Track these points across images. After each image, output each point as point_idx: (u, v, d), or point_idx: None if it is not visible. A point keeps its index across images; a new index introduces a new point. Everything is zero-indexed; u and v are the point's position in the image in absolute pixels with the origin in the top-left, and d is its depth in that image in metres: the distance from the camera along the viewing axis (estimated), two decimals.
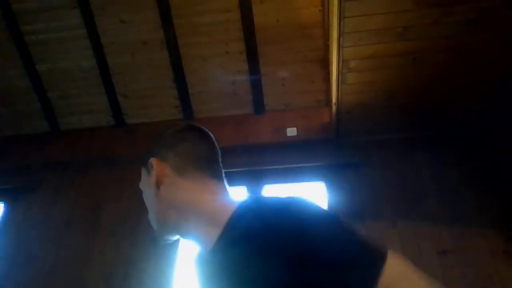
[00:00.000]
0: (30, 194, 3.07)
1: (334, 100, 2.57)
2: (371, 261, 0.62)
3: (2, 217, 3.04)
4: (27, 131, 3.44)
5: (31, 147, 3.36)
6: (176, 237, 0.87)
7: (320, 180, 2.78)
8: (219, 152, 0.92)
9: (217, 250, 0.70)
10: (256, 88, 3.08)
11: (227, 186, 0.86)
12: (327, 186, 2.72)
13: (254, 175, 2.82)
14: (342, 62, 2.31)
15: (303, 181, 2.83)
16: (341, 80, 2.42)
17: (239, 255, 0.66)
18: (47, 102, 3.31)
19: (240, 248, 0.66)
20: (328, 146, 2.87)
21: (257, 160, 2.88)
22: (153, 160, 0.87)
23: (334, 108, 2.63)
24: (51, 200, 3.03)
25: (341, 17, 2.05)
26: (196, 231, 0.78)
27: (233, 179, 2.84)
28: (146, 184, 0.90)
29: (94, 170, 3.11)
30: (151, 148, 0.91)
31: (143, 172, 0.92)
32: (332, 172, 2.75)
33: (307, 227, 0.64)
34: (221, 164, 0.90)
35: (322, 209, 0.70)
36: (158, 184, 0.85)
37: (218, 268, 0.69)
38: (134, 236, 2.73)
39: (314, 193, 2.79)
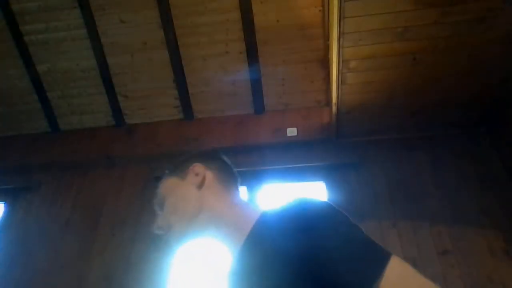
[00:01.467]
0: (30, 194, 3.07)
1: (334, 100, 2.57)
2: (375, 258, 0.65)
3: (2, 217, 3.04)
4: (27, 131, 3.45)
5: (31, 147, 3.36)
6: (189, 241, 0.93)
7: (320, 180, 2.78)
8: None
9: (243, 250, 0.81)
10: (256, 88, 3.08)
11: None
12: (327, 186, 2.72)
13: (254, 175, 2.82)
14: (342, 62, 2.31)
15: (303, 181, 2.83)
16: (341, 80, 2.42)
17: (259, 254, 0.76)
18: (47, 102, 3.31)
19: (260, 248, 0.77)
20: (328, 146, 2.87)
21: (257, 160, 2.88)
22: (198, 165, 0.96)
23: (334, 108, 2.63)
24: (51, 200, 3.03)
25: (341, 17, 2.05)
26: (224, 235, 0.88)
27: None
28: (178, 188, 0.95)
29: (94, 170, 3.11)
30: (186, 159, 1.01)
31: (173, 179, 0.98)
32: (332, 172, 2.75)
33: (315, 229, 0.70)
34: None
35: (329, 208, 0.76)
36: (201, 185, 0.93)
37: (244, 265, 0.79)
38: (134, 236, 2.73)
39: (314, 193, 2.80)
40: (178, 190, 0.95)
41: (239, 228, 0.84)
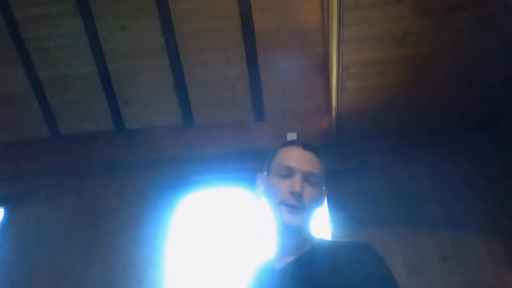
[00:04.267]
0: (30, 200, 3.06)
1: (334, 105, 2.58)
2: None
3: (2, 222, 3.03)
4: (27, 136, 3.44)
5: (32, 152, 3.36)
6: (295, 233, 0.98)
7: None
8: None
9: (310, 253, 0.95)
10: (256, 94, 3.08)
11: None
12: (327, 192, 2.71)
13: (255, 181, 2.82)
14: (341, 68, 2.32)
15: None
16: (341, 86, 2.43)
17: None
18: (47, 108, 3.32)
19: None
20: (328, 151, 2.82)
21: (257, 166, 2.86)
22: (325, 191, 1.11)
23: (334, 113, 2.64)
24: (51, 206, 3.03)
25: (340, 24, 2.07)
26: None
27: (234, 183, 2.86)
28: (320, 191, 1.05)
29: (94, 175, 3.11)
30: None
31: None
32: (332, 178, 2.73)
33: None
34: None
35: (385, 268, 0.88)
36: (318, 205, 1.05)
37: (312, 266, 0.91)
38: (134, 242, 2.72)
39: None
40: (318, 196, 1.03)
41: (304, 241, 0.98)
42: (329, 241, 1.08)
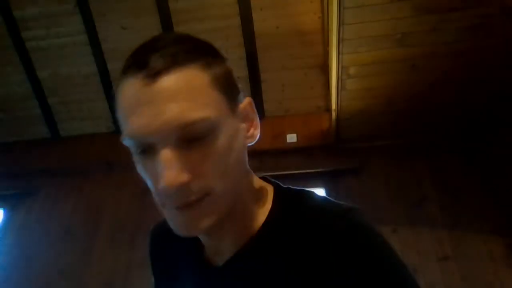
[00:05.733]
0: (29, 200, 3.07)
1: (334, 106, 2.58)
2: None
3: (2, 223, 3.03)
4: (27, 136, 3.45)
5: (31, 153, 3.37)
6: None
7: (320, 187, 2.78)
8: None
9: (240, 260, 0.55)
10: (256, 94, 3.08)
11: None
12: (327, 192, 2.72)
13: None
14: (341, 68, 2.32)
15: (302, 187, 2.82)
16: (340, 86, 2.43)
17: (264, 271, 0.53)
18: (47, 108, 3.32)
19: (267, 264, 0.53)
20: (328, 152, 2.87)
21: (256, 166, 2.87)
22: (250, 99, 0.56)
23: (334, 114, 2.64)
24: (51, 206, 3.03)
25: (340, 24, 2.07)
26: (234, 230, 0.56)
27: None
28: (234, 130, 0.54)
29: (94, 176, 3.11)
30: (234, 77, 0.55)
31: (226, 104, 0.53)
32: (332, 178, 2.75)
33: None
34: None
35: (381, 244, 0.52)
36: (248, 142, 0.56)
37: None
38: (133, 242, 2.72)
39: None
40: (235, 134, 0.53)
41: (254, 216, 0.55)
42: (290, 219, 0.57)
